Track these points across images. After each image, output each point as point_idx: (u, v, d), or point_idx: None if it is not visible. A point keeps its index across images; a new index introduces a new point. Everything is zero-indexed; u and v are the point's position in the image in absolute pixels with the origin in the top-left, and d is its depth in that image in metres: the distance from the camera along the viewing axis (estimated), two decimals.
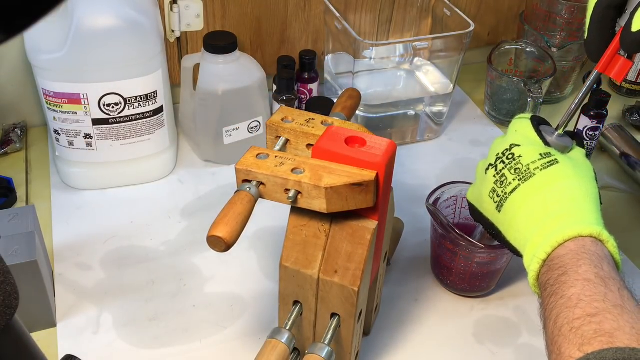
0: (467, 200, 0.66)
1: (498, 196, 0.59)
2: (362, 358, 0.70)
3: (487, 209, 0.61)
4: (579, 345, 0.43)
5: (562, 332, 0.45)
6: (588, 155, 0.99)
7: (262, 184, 0.54)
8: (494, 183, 0.59)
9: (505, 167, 0.58)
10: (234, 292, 0.77)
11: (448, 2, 0.99)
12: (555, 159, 0.57)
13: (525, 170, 0.57)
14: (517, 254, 0.59)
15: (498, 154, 0.60)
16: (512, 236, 0.58)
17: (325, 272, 0.57)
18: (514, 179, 0.57)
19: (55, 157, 0.90)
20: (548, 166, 0.56)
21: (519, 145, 0.59)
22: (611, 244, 0.51)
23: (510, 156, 0.59)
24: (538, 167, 0.56)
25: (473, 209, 0.65)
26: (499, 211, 0.58)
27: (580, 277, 0.47)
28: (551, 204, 0.54)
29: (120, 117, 0.84)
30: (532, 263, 0.52)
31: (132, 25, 0.78)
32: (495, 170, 0.59)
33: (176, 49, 1.01)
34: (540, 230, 0.53)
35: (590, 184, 0.56)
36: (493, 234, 0.62)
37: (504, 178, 0.58)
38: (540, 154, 0.57)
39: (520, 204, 0.56)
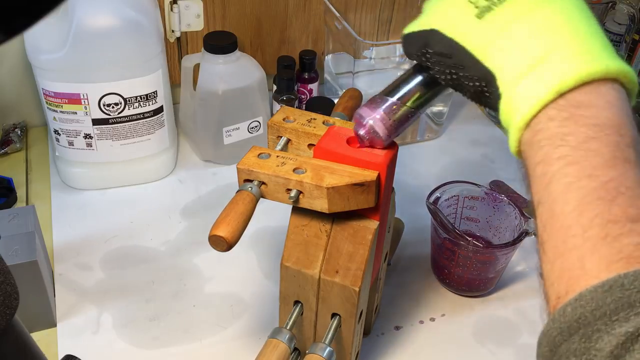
0: (406, 34, 0.47)
1: (479, 14, 0.41)
2: (362, 358, 0.70)
3: (457, 20, 0.43)
4: (614, 267, 0.30)
5: (589, 235, 0.32)
6: None
7: (263, 183, 0.54)
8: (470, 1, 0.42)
9: None
10: (234, 292, 0.77)
11: None
12: None
13: None
14: (489, 86, 0.42)
15: None
16: (493, 55, 0.40)
17: (326, 272, 0.57)
18: None
19: (55, 157, 0.89)
20: None
21: None
22: (635, 89, 0.37)
23: None
24: None
25: (416, 35, 0.45)
26: (480, 18, 0.41)
27: (620, 153, 0.33)
28: (578, 18, 0.38)
29: (120, 117, 0.84)
30: (539, 91, 0.36)
31: (132, 25, 0.78)
32: None
33: (176, 49, 1.01)
34: (560, 47, 0.37)
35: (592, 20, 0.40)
36: (449, 61, 0.44)
37: None
38: None
39: (529, 8, 0.39)
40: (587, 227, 0.32)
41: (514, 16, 0.39)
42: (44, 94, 0.81)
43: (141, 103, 0.84)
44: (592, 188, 0.32)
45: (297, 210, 0.57)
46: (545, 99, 0.35)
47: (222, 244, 0.49)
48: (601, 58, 0.36)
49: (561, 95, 0.35)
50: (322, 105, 0.93)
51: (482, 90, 0.42)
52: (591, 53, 0.36)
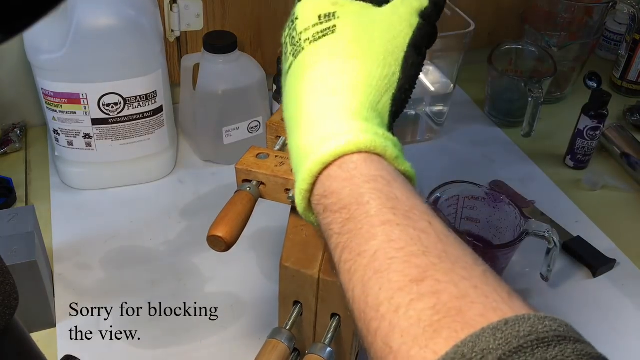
0: None
1: (285, 74, 0.42)
2: (362, 358, 0.70)
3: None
4: (422, 340, 0.27)
5: (382, 313, 0.29)
6: (588, 156, 1.00)
7: (262, 183, 0.54)
8: (284, 54, 0.42)
9: (288, 33, 0.42)
10: (234, 292, 0.77)
11: (448, 2, 0.99)
12: (333, 26, 0.39)
13: (297, 41, 0.40)
14: None
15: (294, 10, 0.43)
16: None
17: (325, 272, 0.57)
18: (290, 52, 0.41)
19: (55, 157, 0.89)
20: (320, 37, 0.39)
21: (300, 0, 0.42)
22: (391, 154, 0.36)
23: (293, 16, 0.42)
24: (309, 38, 0.39)
25: None
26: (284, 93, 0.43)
27: (376, 219, 0.33)
28: (305, 100, 0.38)
29: (119, 117, 0.84)
30: (299, 203, 0.38)
31: (132, 25, 0.78)
32: (283, 35, 0.43)
33: (176, 48, 1.01)
34: (299, 143, 0.38)
35: (376, 64, 0.39)
36: None
37: (286, 49, 0.42)
38: (320, 16, 0.40)
39: (287, 94, 0.41)
40: (377, 305, 0.30)
41: (285, 95, 0.41)
42: (43, 94, 0.81)
43: (141, 103, 0.84)
44: (364, 265, 0.32)
45: (296, 210, 0.57)
46: (301, 197, 0.37)
47: (221, 245, 0.49)
48: (337, 136, 0.35)
49: (309, 190, 0.37)
50: None
51: None
52: (329, 134, 0.36)
